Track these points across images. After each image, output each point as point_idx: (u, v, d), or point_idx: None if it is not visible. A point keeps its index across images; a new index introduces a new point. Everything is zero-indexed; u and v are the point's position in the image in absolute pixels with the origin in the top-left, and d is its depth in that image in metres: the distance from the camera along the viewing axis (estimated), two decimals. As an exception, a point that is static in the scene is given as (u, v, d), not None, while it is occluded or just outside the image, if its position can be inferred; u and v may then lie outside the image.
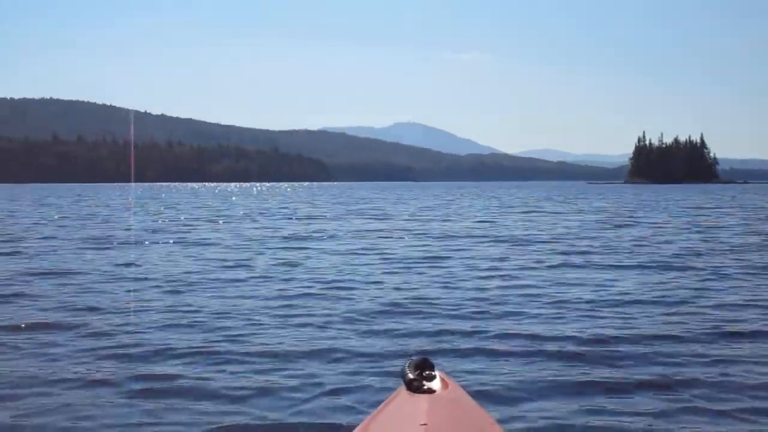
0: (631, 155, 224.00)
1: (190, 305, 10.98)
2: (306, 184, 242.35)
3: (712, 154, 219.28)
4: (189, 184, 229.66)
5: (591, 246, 20.87)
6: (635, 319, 9.95)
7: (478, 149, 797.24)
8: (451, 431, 3.23)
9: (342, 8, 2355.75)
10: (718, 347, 8.30)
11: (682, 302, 11.25)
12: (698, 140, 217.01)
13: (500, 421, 4.16)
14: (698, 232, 26.99)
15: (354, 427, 3.62)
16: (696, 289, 12.65)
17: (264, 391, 6.65)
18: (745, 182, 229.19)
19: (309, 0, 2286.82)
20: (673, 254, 18.59)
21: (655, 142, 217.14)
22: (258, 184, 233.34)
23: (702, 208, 49.75)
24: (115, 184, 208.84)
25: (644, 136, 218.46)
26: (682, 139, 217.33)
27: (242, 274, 14.78)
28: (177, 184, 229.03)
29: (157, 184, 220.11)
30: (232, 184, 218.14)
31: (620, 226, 30.23)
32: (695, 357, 7.86)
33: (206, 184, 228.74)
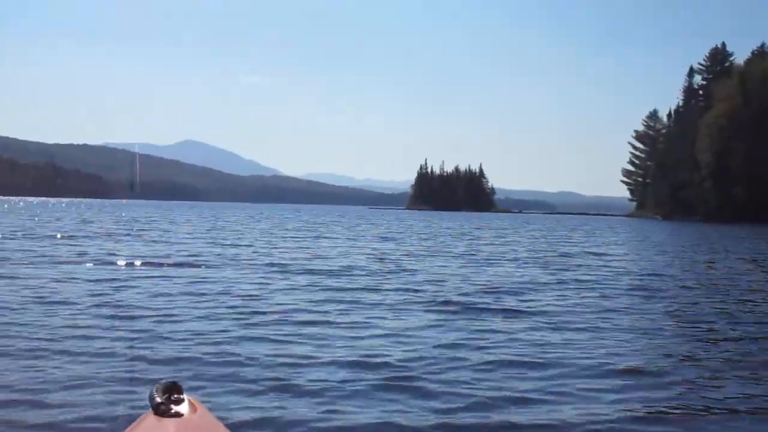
0: (413, 182, 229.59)
1: None
2: (86, 200, 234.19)
3: (490, 184, 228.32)
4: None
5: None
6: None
7: (262, 170, 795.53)
8: None
9: (121, 19, 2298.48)
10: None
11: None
12: (477, 170, 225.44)
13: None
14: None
15: None
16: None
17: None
18: (520, 211, 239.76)
19: (87, 5, 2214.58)
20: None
21: (437, 170, 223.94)
22: (29, 198, 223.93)
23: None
24: None
25: (426, 164, 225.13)
26: (463, 168, 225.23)
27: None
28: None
29: None
30: (12, 198, 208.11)
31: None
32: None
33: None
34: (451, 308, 13.57)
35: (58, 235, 33.77)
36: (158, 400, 3.47)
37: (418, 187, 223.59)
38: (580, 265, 24.78)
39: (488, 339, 10.51)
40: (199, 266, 20.42)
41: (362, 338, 10.30)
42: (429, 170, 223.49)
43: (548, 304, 14.47)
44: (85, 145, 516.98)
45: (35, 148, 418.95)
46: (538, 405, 7.23)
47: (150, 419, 3.43)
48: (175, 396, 3.53)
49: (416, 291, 16.09)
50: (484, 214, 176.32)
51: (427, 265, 23.52)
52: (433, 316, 12.63)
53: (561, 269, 22.94)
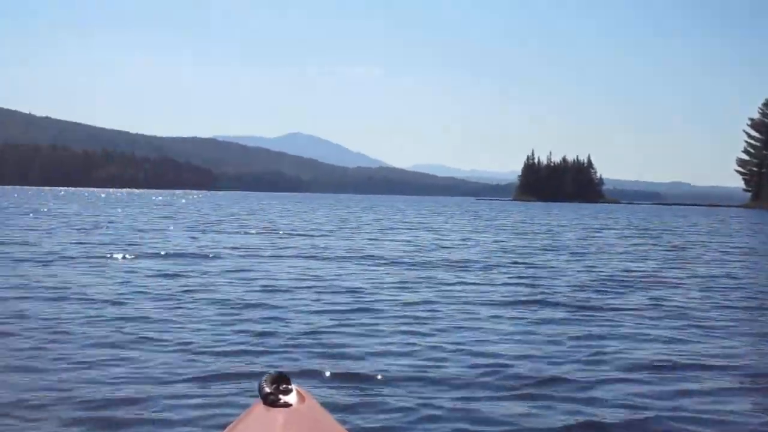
0: (519, 172, 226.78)
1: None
2: (195, 192, 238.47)
3: (598, 175, 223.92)
4: (72, 188, 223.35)
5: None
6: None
7: (369, 162, 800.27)
8: None
9: (236, 18, 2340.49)
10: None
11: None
12: (586, 160, 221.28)
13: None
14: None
15: None
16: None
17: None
18: (630, 202, 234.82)
19: (204, 7, 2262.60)
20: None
21: (544, 161, 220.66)
22: (141, 190, 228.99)
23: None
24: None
25: (533, 154, 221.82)
26: (570, 158, 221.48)
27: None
28: (60, 188, 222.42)
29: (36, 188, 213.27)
30: (122, 191, 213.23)
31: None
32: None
33: (90, 189, 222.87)
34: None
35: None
36: (267, 390, 3.57)
37: (524, 177, 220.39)
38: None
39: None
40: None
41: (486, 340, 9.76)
42: (536, 161, 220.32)
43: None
44: (194, 138, 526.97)
45: (147, 142, 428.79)
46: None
47: (259, 409, 3.53)
48: (284, 386, 3.64)
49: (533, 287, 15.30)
50: (592, 204, 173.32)
51: (543, 259, 22.34)
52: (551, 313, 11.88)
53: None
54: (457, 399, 7.03)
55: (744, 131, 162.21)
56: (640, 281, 16.98)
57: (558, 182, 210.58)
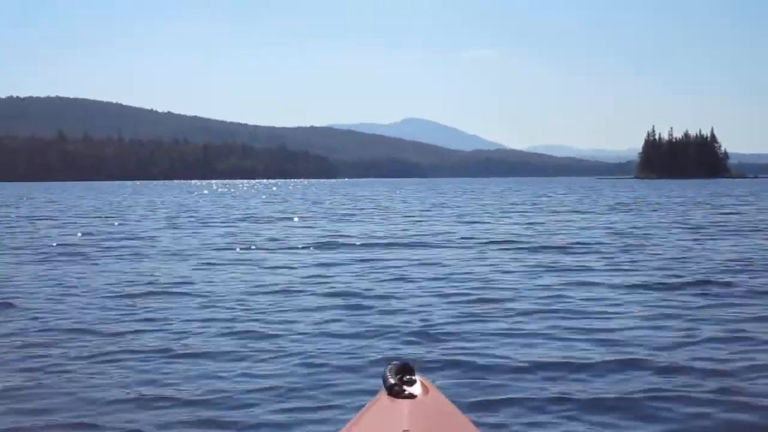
0: (639, 150, 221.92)
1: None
2: (314, 180, 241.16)
3: (722, 149, 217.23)
4: (194, 181, 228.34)
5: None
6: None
7: (485, 145, 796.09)
8: None
9: (347, 5, 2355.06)
10: None
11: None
12: (708, 134, 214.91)
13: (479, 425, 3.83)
14: None
15: None
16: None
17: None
18: (756, 176, 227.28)
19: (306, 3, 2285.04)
20: None
21: (665, 137, 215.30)
22: (264, 180, 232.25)
23: None
24: (119, 182, 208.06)
25: (654, 131, 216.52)
26: (692, 133, 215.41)
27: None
28: (181, 181, 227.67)
29: (160, 181, 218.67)
30: (244, 181, 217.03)
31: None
32: None
33: (212, 181, 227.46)
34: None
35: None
36: (391, 381, 3.56)
37: (645, 155, 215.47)
38: None
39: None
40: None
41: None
42: (657, 137, 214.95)
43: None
44: (311, 128, 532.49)
45: (265, 133, 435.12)
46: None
47: (384, 400, 3.53)
48: (408, 377, 3.64)
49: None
50: (717, 180, 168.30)
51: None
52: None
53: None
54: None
55: None
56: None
57: (680, 158, 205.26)
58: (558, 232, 24.28)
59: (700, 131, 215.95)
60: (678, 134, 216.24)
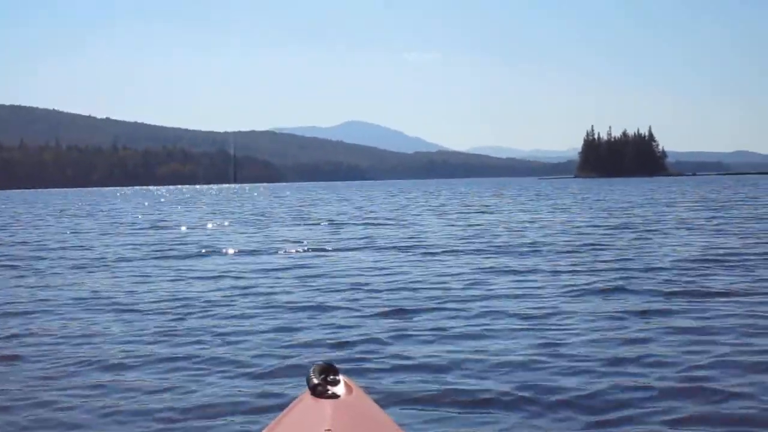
0: (579, 149, 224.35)
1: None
2: (257, 185, 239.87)
3: (660, 147, 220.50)
4: (135, 187, 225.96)
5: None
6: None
7: (427, 147, 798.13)
8: None
9: (286, 7, 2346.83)
10: None
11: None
12: (647, 133, 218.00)
13: (402, 425, 3.89)
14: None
15: None
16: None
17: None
18: (694, 174, 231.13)
19: (252, 2, 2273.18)
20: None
21: (604, 136, 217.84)
22: (205, 186, 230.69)
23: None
24: (57, 189, 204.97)
25: (593, 130, 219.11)
26: (631, 132, 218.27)
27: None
28: (122, 188, 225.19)
29: (97, 188, 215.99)
30: (183, 187, 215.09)
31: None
32: None
33: (151, 187, 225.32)
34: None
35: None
36: (315, 381, 3.59)
37: (585, 154, 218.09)
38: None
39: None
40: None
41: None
42: (596, 137, 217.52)
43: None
44: (252, 132, 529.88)
45: (206, 138, 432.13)
46: None
47: (307, 400, 3.56)
48: (332, 377, 3.66)
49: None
50: (656, 178, 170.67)
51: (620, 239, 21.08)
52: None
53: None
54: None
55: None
56: (735, 259, 15.33)
57: (619, 157, 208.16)
58: (483, 233, 24.00)
59: (638, 130, 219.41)
60: (617, 133, 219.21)
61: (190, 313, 10.41)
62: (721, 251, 16.66)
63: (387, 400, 6.16)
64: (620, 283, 12.20)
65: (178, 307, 10.94)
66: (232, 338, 8.77)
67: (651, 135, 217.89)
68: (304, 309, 10.57)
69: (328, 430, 3.13)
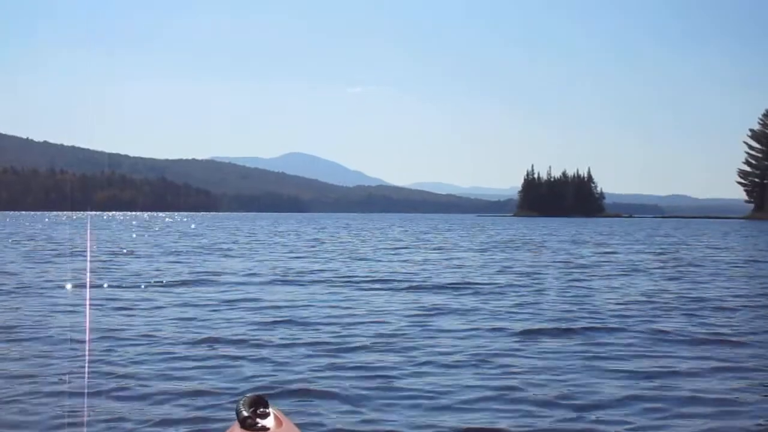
0: (519, 188, 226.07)
1: None
2: (193, 214, 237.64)
3: (599, 188, 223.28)
4: (72, 213, 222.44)
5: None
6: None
7: (368, 181, 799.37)
8: None
9: (231, 39, 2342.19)
10: None
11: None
12: (586, 174, 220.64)
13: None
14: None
15: None
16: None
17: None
18: (631, 216, 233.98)
19: (197, 30, 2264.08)
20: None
21: (544, 176, 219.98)
22: (141, 213, 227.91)
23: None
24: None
25: (533, 169, 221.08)
26: (570, 173, 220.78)
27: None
28: (58, 213, 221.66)
29: (32, 213, 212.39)
30: (120, 214, 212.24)
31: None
32: None
33: (90, 213, 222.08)
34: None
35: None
36: (244, 414, 3.55)
37: (525, 193, 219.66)
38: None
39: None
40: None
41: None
42: (536, 176, 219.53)
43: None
44: (193, 160, 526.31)
45: (146, 165, 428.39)
46: None
47: None
48: (261, 410, 3.66)
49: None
50: (595, 219, 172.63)
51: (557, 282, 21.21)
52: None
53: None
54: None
55: (744, 142, 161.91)
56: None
57: (559, 197, 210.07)
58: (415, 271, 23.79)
59: (577, 171, 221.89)
60: (557, 173, 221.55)
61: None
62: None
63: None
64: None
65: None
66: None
67: (590, 176, 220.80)
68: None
69: None
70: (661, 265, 26.29)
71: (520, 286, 18.29)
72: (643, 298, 15.74)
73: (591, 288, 18.09)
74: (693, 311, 13.74)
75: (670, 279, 20.55)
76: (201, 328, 11.40)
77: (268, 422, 3.55)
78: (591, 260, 28.59)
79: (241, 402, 3.65)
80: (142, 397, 7.35)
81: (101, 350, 9.44)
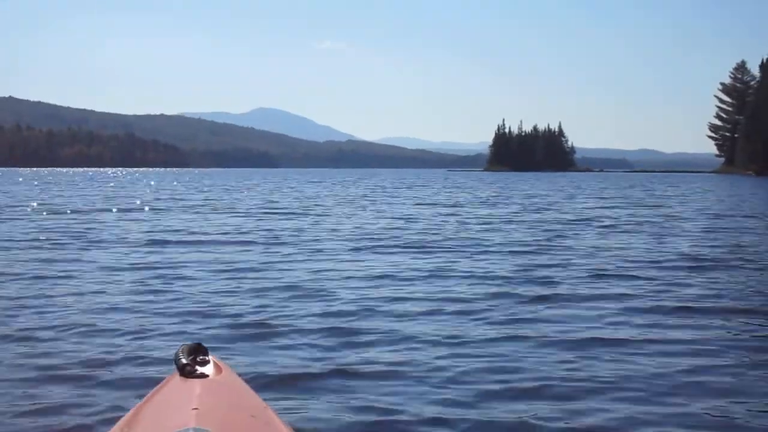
0: (490, 143, 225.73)
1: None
2: (162, 170, 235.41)
3: (569, 143, 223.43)
4: (37, 169, 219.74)
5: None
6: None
7: (337, 136, 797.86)
8: (223, 415, 3.26)
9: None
10: None
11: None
12: (556, 129, 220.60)
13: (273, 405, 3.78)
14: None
15: (124, 413, 3.55)
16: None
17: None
18: (601, 170, 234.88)
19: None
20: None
21: (515, 130, 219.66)
22: (111, 169, 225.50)
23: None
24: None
25: (504, 124, 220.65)
26: (541, 127, 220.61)
27: None
28: (23, 169, 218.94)
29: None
30: (90, 170, 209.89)
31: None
32: None
33: (56, 169, 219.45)
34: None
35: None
36: (183, 361, 3.56)
37: (495, 147, 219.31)
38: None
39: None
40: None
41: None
42: (507, 131, 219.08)
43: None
44: (161, 116, 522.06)
45: (114, 120, 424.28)
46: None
47: (175, 380, 3.54)
48: (201, 357, 3.66)
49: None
50: (565, 173, 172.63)
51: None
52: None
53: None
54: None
55: (715, 96, 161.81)
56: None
57: (529, 152, 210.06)
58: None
59: (548, 126, 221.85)
60: (527, 128, 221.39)
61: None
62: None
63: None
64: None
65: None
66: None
67: (561, 131, 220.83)
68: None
69: (195, 409, 3.12)
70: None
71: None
72: None
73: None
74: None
75: None
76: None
77: (208, 369, 3.54)
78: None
79: (180, 349, 3.59)
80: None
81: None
